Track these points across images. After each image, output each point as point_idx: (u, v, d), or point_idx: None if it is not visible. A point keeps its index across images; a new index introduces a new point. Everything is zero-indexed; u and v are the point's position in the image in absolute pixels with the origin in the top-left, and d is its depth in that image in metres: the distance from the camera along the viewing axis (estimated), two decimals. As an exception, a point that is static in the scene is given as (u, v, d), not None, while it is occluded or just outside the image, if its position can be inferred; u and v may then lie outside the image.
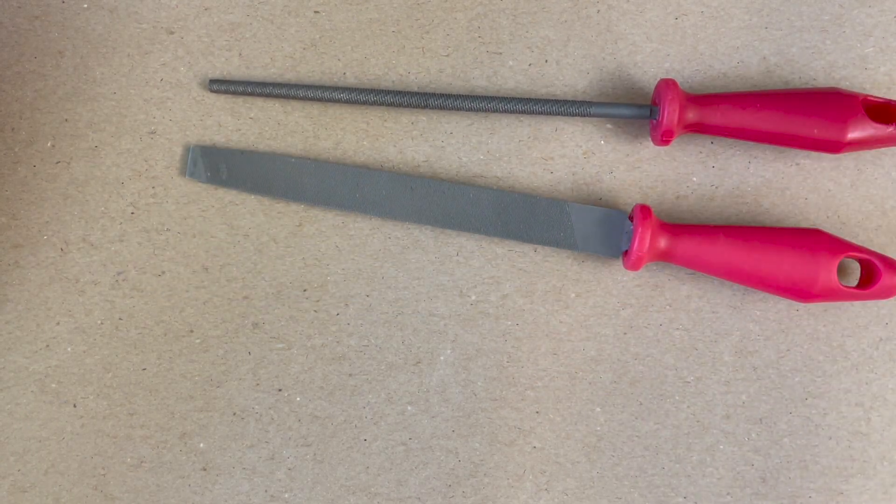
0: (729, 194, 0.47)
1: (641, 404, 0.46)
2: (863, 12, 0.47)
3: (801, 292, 0.43)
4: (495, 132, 0.47)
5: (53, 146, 0.47)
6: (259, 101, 0.47)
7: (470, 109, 0.45)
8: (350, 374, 0.46)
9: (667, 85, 0.44)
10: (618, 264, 0.46)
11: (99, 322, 0.46)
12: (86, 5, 0.47)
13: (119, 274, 0.46)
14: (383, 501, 0.45)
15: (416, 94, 0.46)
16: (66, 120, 0.47)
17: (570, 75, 0.47)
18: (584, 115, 0.45)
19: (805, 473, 0.45)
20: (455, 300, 0.46)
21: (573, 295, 0.46)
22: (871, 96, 0.44)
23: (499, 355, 0.46)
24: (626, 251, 0.44)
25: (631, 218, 0.44)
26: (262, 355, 0.46)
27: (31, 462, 0.45)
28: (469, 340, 0.46)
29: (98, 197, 0.46)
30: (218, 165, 0.46)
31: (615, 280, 0.46)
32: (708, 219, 0.47)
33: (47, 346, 0.46)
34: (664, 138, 0.44)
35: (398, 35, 0.47)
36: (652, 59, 0.47)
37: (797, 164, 0.47)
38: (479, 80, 0.47)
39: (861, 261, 0.44)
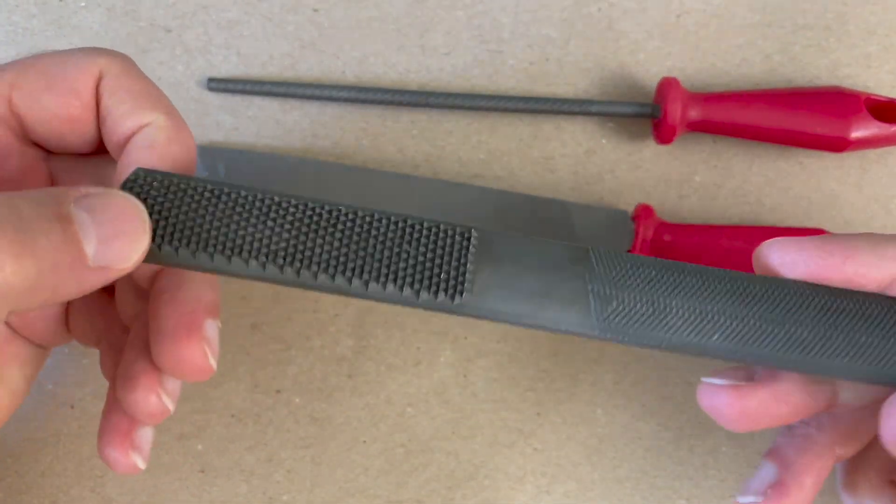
0: (732, 194, 0.46)
1: (643, 406, 0.45)
2: (867, 10, 0.47)
3: (805, 293, 0.42)
4: (496, 131, 0.47)
5: (50, 145, 0.46)
6: (257, 100, 0.47)
7: (470, 108, 0.45)
8: (349, 376, 0.46)
9: (669, 83, 0.43)
10: (619, 264, 0.46)
11: (96, 323, 0.46)
12: (83, 3, 0.47)
13: (116, 274, 0.46)
14: (383, 504, 0.45)
15: (416, 92, 0.45)
16: (63, 119, 0.46)
17: (571, 74, 0.47)
18: (586, 114, 0.45)
19: (809, 476, 0.45)
20: (455, 301, 0.46)
21: (574, 295, 0.46)
22: (875, 95, 0.43)
23: (499, 356, 0.45)
24: (629, 251, 0.44)
25: (633, 217, 0.44)
26: (260, 356, 0.46)
27: (27, 464, 0.45)
28: (469, 341, 0.46)
29: (95, 196, 0.46)
30: (216, 164, 0.46)
31: (617, 280, 0.46)
32: (711, 218, 0.46)
33: (44, 346, 0.45)
34: (666, 137, 0.44)
35: (398, 33, 0.47)
36: (654, 58, 0.47)
37: (800, 164, 0.46)
38: (480, 78, 0.47)
39: (865, 261, 0.43)
